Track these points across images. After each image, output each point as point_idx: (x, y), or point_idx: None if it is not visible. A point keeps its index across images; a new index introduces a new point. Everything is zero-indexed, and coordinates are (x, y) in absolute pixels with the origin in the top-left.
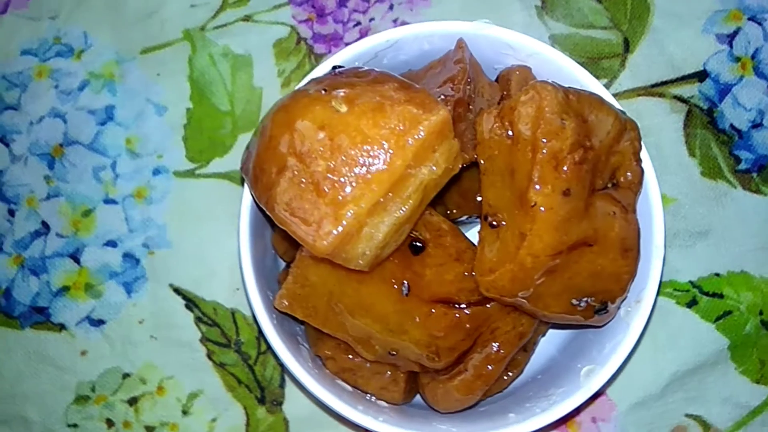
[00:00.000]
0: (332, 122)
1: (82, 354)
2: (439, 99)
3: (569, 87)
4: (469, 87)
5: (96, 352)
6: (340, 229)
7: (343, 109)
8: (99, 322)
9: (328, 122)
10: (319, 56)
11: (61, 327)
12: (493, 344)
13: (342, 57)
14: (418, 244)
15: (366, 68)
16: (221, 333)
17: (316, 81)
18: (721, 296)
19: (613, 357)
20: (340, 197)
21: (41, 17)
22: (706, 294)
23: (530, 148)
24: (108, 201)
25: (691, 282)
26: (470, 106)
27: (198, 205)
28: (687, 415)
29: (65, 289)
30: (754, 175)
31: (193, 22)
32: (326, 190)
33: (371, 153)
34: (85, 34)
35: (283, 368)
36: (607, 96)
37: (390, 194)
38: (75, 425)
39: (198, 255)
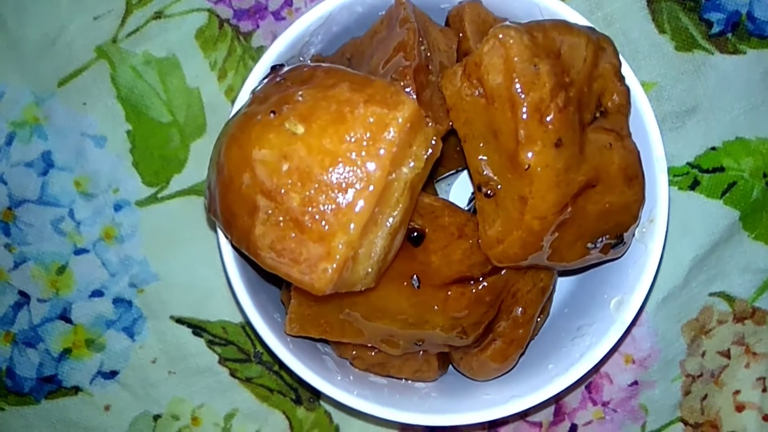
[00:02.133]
0: (292, 148)
1: (106, 409)
2: (396, 73)
3: (529, 22)
4: (423, 47)
5: (119, 404)
6: (334, 265)
7: (300, 130)
8: (112, 374)
9: (288, 149)
10: (247, 35)
11: (77, 389)
12: (518, 308)
13: (276, 51)
14: (416, 234)
15: (308, 65)
16: (238, 349)
17: (259, 97)
18: (722, 169)
19: (639, 284)
20: (326, 229)
21: None
22: (707, 171)
23: (508, 105)
24: (78, 251)
25: (689, 163)
26: (430, 67)
27: (171, 229)
28: (711, 294)
29: (67, 352)
30: (729, 35)
31: (102, 36)
32: (309, 224)
33: (345, 173)
34: None
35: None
36: (568, 13)
37: (377, 208)
38: None
39: (188, 279)
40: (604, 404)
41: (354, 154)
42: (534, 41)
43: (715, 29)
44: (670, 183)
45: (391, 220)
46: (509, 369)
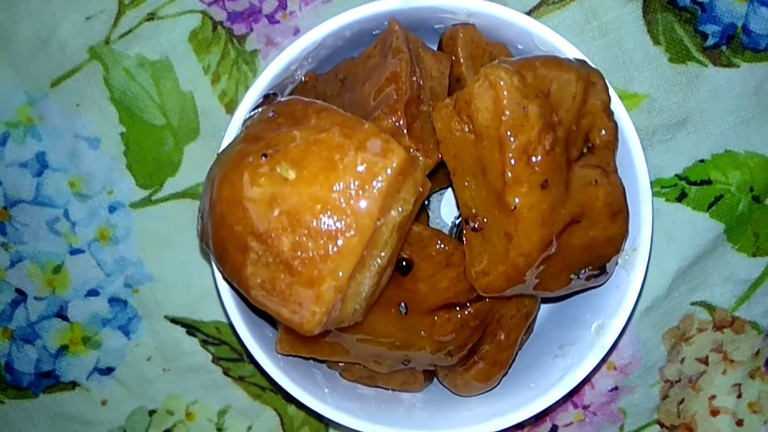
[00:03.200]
0: (283, 194)
1: (103, 404)
2: (387, 107)
3: (520, 59)
4: (414, 78)
5: (115, 399)
6: (323, 308)
7: (291, 175)
8: (108, 370)
9: (279, 194)
10: (241, 38)
11: (74, 384)
12: (502, 333)
13: (267, 77)
14: (404, 263)
15: (302, 101)
16: (231, 349)
17: (251, 135)
18: (709, 182)
19: (620, 310)
20: (315, 273)
21: None
22: (694, 183)
23: (497, 145)
24: (74, 252)
25: (677, 175)
26: (421, 97)
27: (165, 232)
28: (692, 303)
29: (64, 348)
30: (724, 48)
31: (95, 37)
32: (299, 269)
33: (334, 221)
34: None
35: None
36: (561, 43)
37: (365, 252)
38: None
39: (182, 280)
40: (585, 407)
41: (343, 201)
42: (524, 82)
43: (710, 41)
44: (658, 194)
45: (379, 261)
46: (492, 388)
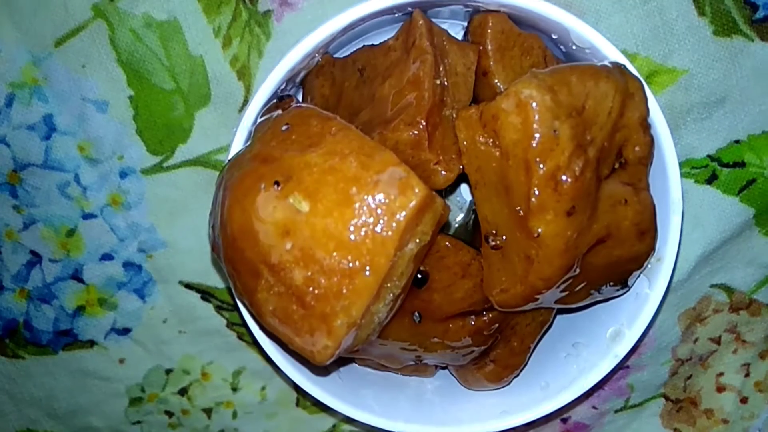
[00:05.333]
0: (296, 226)
1: (121, 362)
2: (408, 116)
3: (554, 70)
4: (438, 81)
5: (133, 357)
6: (336, 343)
7: (304, 208)
8: (125, 331)
9: (291, 227)
10: None
11: (92, 343)
12: (516, 339)
13: (282, 71)
14: (419, 275)
15: (319, 115)
16: None
17: (262, 154)
18: (742, 165)
19: (638, 320)
20: (327, 310)
21: None
22: (726, 165)
23: (523, 167)
24: (87, 216)
25: (709, 156)
26: (445, 98)
27: (177, 198)
28: (711, 286)
29: (81, 309)
30: None
31: None
32: (311, 303)
33: (349, 260)
34: None
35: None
36: (601, 42)
37: (380, 287)
38: (139, 422)
39: (196, 247)
40: None
41: (359, 239)
42: (556, 100)
43: (761, 13)
44: (688, 175)
45: (394, 291)
46: (503, 387)
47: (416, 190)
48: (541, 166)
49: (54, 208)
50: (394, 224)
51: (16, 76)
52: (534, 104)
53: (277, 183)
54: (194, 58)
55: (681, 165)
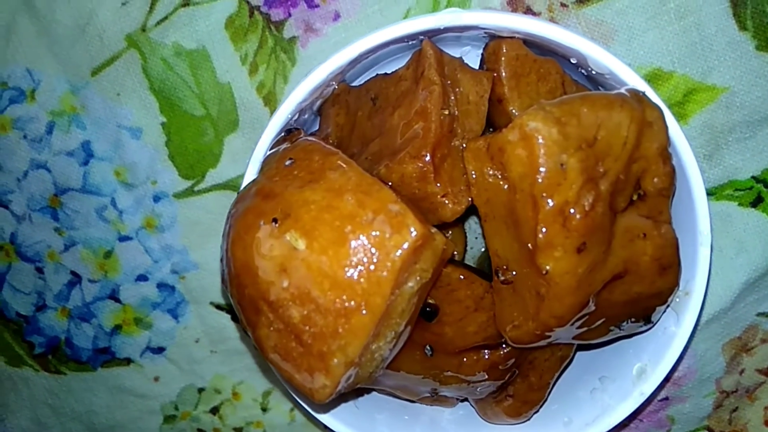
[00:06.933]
0: (293, 264)
1: (155, 380)
2: (413, 149)
3: (563, 100)
4: (446, 111)
5: (167, 376)
6: (333, 382)
7: (301, 246)
8: (160, 350)
9: (288, 265)
10: (279, 25)
11: (129, 361)
12: (534, 374)
13: (291, 104)
14: (429, 309)
15: (322, 149)
16: None
17: (265, 189)
18: None
19: (666, 357)
20: (324, 349)
21: None
22: None
23: (530, 202)
24: (123, 239)
25: (753, 177)
26: (455, 127)
27: (208, 221)
28: (758, 314)
29: (118, 328)
30: None
31: (132, 24)
32: (308, 341)
33: (344, 300)
34: (29, 71)
35: None
36: (618, 67)
37: (378, 326)
38: None
39: None
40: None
41: (354, 278)
42: (564, 132)
43: None
44: (731, 198)
45: (395, 329)
46: (523, 422)
47: (411, 229)
48: (549, 201)
49: (92, 231)
50: (389, 263)
51: (55, 104)
52: (539, 137)
53: (275, 220)
54: (222, 85)
55: (723, 187)
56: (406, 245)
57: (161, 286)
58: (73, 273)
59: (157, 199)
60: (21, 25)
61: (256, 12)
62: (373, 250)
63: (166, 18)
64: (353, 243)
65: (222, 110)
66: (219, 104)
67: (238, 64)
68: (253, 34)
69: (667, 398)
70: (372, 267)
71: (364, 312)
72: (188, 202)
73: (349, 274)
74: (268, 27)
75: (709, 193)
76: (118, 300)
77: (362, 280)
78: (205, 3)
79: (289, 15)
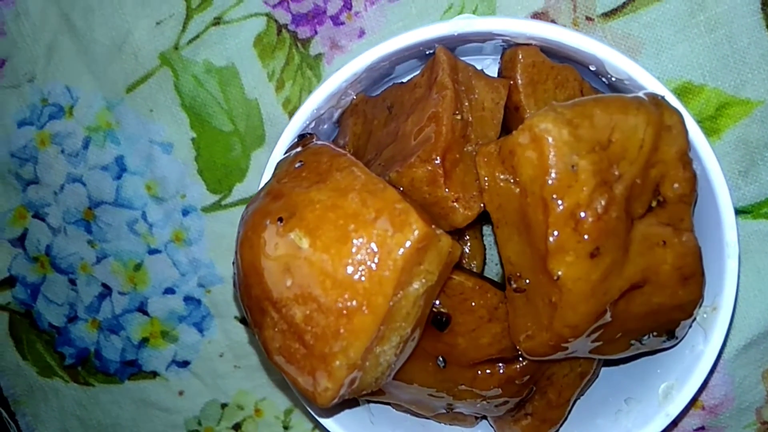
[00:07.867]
0: (296, 263)
1: (180, 394)
2: (424, 153)
3: (576, 103)
4: (459, 117)
5: (191, 390)
6: (336, 385)
7: (304, 244)
8: (185, 363)
9: (292, 264)
10: (306, 42)
11: (155, 374)
12: (553, 391)
13: (307, 111)
14: (441, 318)
15: (331, 151)
16: None
17: (274, 190)
18: None
19: (693, 376)
20: (326, 350)
21: (20, 83)
22: None
23: (541, 205)
24: (152, 251)
25: None
26: (469, 132)
27: (233, 235)
28: None
29: (145, 341)
30: None
31: (165, 43)
32: (310, 342)
33: (345, 299)
34: (68, 89)
35: None
36: (637, 73)
37: (382, 327)
38: None
39: None
40: None
41: (356, 278)
42: (575, 134)
43: None
44: (765, 216)
45: (401, 333)
46: None
47: (414, 227)
48: (559, 203)
49: (123, 244)
50: (390, 263)
51: (92, 120)
52: (550, 138)
53: (280, 219)
54: (250, 102)
55: (760, 205)
56: (408, 244)
57: (188, 299)
58: (104, 285)
59: (185, 212)
60: (62, 44)
61: (283, 30)
62: (375, 249)
63: (197, 36)
64: (355, 241)
65: (249, 126)
66: (246, 120)
67: (266, 80)
68: (281, 51)
69: (703, 428)
70: (374, 266)
71: (365, 312)
72: (215, 216)
73: (351, 273)
74: (295, 44)
75: (746, 211)
76: (146, 313)
77: (364, 279)
78: (235, 22)
79: (316, 33)
